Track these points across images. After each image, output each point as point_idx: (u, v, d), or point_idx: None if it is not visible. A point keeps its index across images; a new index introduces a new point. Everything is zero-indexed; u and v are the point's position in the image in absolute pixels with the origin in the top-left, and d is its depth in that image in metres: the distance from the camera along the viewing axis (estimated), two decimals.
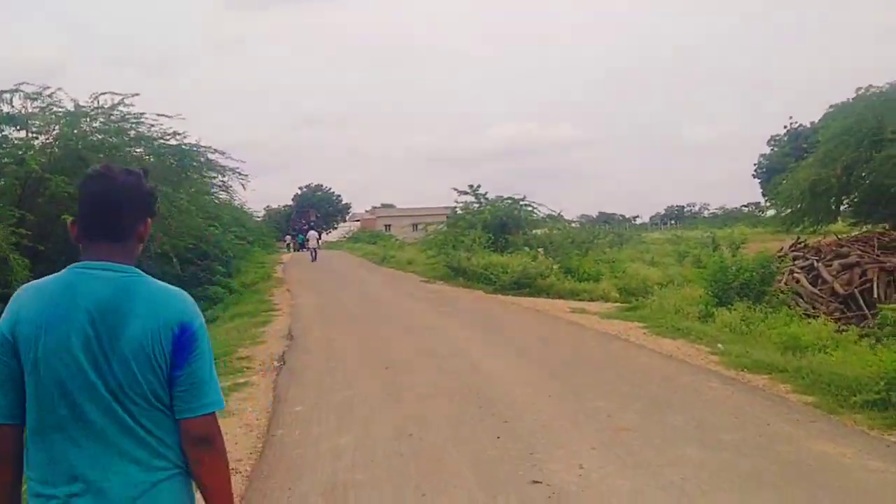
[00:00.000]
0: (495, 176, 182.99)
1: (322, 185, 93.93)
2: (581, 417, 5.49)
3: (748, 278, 9.98)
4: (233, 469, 3.78)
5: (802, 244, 13.58)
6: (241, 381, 7.32)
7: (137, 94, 15.12)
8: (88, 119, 14.50)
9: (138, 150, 15.38)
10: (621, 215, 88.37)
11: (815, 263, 11.48)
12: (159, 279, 1.76)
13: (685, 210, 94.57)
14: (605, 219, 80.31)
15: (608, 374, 7.05)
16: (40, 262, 12.79)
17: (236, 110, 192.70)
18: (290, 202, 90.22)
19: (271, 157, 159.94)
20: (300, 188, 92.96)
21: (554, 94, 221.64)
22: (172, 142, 15.63)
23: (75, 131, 13.63)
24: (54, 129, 13.63)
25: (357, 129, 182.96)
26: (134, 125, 14.92)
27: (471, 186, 24.86)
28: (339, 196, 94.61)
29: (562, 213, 26.11)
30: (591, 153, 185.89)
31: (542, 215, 24.02)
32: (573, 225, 26.03)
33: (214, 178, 21.44)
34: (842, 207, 18.54)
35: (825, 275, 10.96)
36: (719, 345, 8.09)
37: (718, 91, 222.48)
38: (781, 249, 13.01)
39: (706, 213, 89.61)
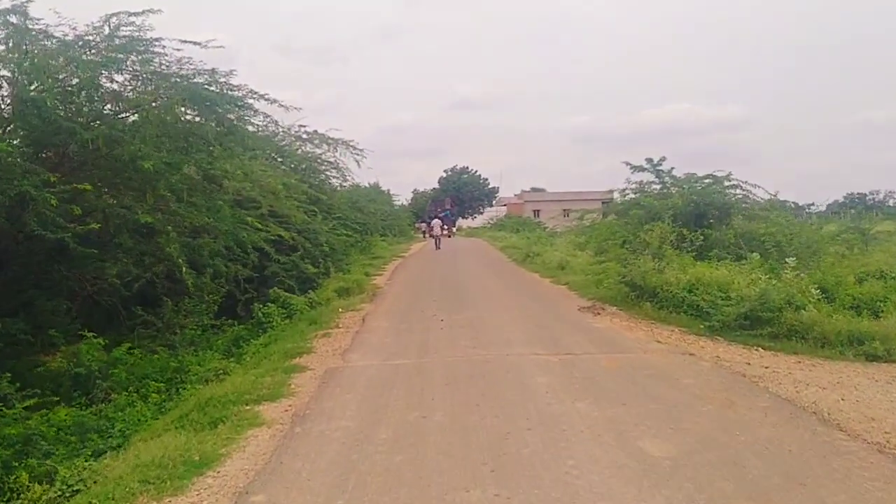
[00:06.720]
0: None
1: (468, 168, 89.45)
2: None
3: None
4: None
5: None
6: None
7: (159, 11, 9.98)
8: (79, 48, 9.58)
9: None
10: (793, 202, 74.67)
11: None
12: None
13: (867, 198, 78.77)
14: (778, 206, 67.56)
15: None
16: None
17: (393, 97, 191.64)
18: (437, 185, 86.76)
19: (425, 141, 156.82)
20: (445, 171, 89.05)
21: (718, 73, 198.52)
22: (198, 80, 10.17)
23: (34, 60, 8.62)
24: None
25: (509, 111, 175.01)
26: (142, 53, 9.73)
27: (650, 160, 17.61)
28: (486, 179, 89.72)
29: (778, 195, 18.19)
30: (755, 134, 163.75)
31: (759, 201, 16.29)
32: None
33: (305, 146, 16.20)
34: None
35: None
36: None
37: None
38: None
39: (892, 201, 75.90)
